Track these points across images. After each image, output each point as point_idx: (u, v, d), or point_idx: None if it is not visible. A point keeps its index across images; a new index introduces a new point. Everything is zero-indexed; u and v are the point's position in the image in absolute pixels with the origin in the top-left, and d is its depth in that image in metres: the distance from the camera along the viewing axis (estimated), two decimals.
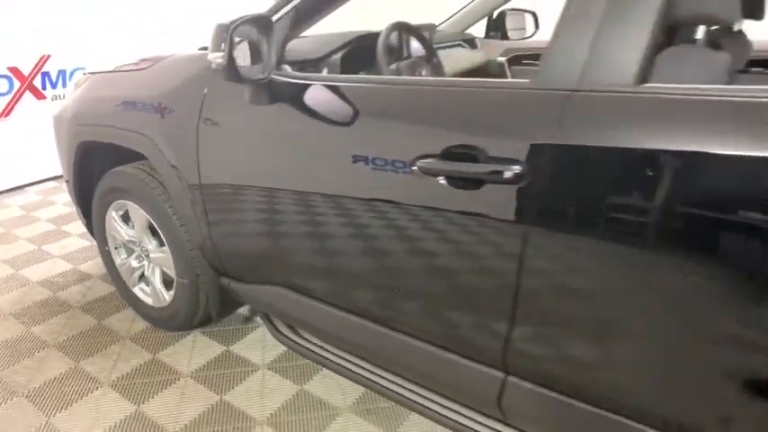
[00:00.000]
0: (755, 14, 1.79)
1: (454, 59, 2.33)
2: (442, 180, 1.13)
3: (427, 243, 1.22)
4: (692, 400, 0.99)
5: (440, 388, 1.42)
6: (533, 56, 2.42)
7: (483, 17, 2.64)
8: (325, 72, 1.66)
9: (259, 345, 2.04)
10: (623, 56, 0.96)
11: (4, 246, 2.86)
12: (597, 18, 0.98)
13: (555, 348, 1.12)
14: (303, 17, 1.44)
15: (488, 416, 1.35)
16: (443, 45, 2.39)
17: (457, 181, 1.11)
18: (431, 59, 1.87)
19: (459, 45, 2.46)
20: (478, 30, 2.75)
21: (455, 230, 1.16)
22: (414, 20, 2.04)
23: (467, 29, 2.64)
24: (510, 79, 1.36)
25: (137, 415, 1.70)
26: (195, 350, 2.01)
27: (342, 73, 1.66)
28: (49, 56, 3.65)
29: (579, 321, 1.06)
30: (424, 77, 1.72)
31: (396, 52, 1.86)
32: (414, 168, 1.16)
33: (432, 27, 2.09)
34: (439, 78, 1.73)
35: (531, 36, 2.77)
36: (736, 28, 1.38)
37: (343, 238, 1.38)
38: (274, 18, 1.36)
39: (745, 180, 0.86)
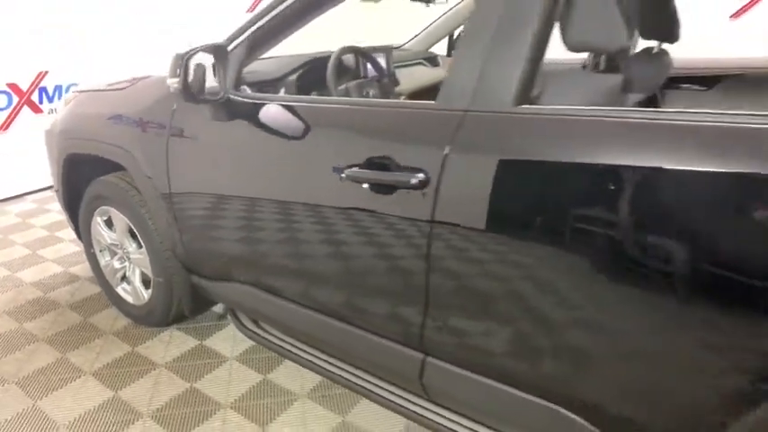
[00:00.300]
0: (668, 39, 1.99)
1: (415, 77, 2.53)
2: (365, 186, 1.32)
3: (357, 242, 1.41)
4: (577, 372, 1.17)
5: (376, 370, 1.60)
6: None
7: (445, 36, 2.85)
8: (282, 92, 1.86)
9: (230, 339, 2.22)
10: (504, 82, 1.15)
11: (1, 250, 3.07)
12: (483, 50, 1.18)
13: (462, 331, 1.30)
14: (257, 45, 1.64)
15: (427, 399, 1.53)
16: (406, 63, 2.59)
17: (376, 187, 1.30)
18: (381, 79, 2.07)
19: (420, 63, 2.66)
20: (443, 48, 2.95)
21: (378, 230, 1.35)
22: (386, 40, 2.24)
23: (430, 47, 2.85)
24: (421, 101, 1.57)
25: (114, 399, 1.89)
26: (171, 344, 2.20)
27: (297, 92, 1.87)
28: (46, 72, 3.88)
29: (480, 308, 1.25)
30: (353, 98, 1.89)
31: (351, 73, 2.06)
32: (343, 176, 1.35)
33: (388, 48, 2.29)
34: (365, 99, 1.91)
35: None
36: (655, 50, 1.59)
37: (292, 238, 1.57)
38: (229, 47, 1.57)
39: (598, 184, 1.05)
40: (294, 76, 1.87)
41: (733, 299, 0.93)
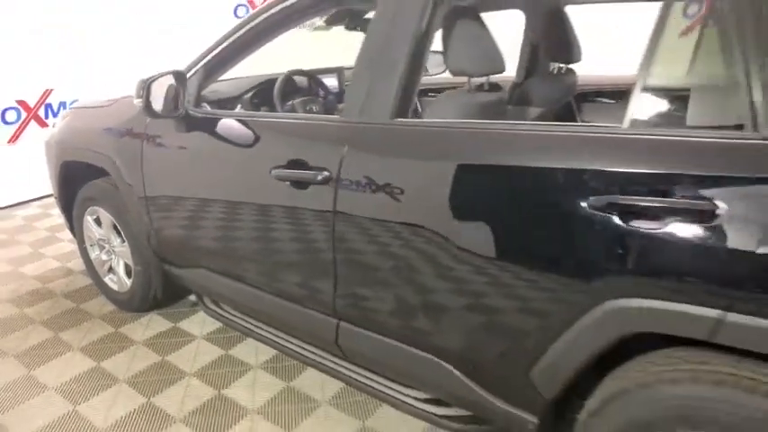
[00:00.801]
0: (570, 61, 2.32)
1: (448, 96, 2.86)
2: (287, 183, 1.65)
3: (284, 230, 1.74)
4: (442, 328, 1.48)
5: (306, 336, 1.93)
6: (437, 89, 2.95)
7: None
8: (238, 108, 2.21)
9: (200, 322, 2.55)
10: (383, 100, 1.48)
11: (8, 248, 3.44)
12: (369, 74, 1.51)
13: (363, 298, 1.62)
14: (213, 70, 1.99)
15: (344, 359, 1.85)
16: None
17: (295, 183, 1.64)
18: (326, 96, 2.41)
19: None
20: None
21: (298, 219, 1.68)
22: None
23: None
24: (328, 115, 1.92)
25: (97, 368, 2.22)
26: (149, 326, 2.53)
27: (251, 109, 2.22)
28: (51, 89, 4.28)
29: (373, 279, 1.56)
30: (282, 113, 2.23)
31: (302, 91, 2.40)
32: (272, 175, 1.68)
33: (341, 69, 2.64)
34: (290, 114, 2.23)
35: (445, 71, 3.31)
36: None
37: (237, 229, 1.90)
38: (188, 73, 1.92)
39: (448, 179, 1.36)
40: (248, 95, 2.23)
41: (539, 276, 1.24)
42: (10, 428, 1.90)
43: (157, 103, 1.84)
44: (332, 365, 1.90)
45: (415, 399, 1.68)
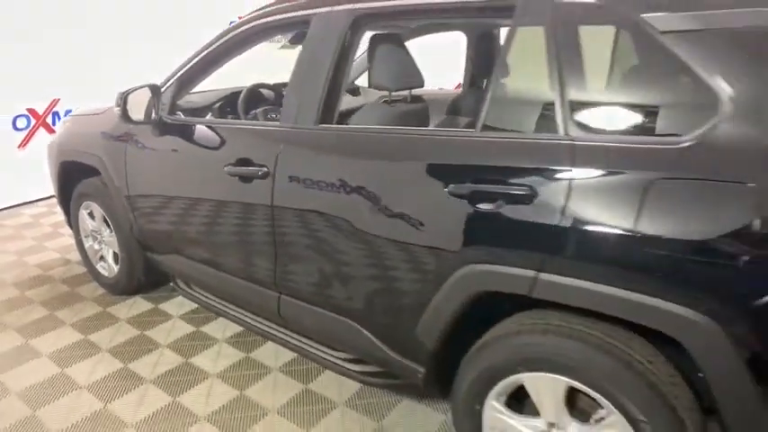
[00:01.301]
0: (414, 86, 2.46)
1: (370, 107, 3.20)
2: (236, 178, 1.99)
3: (237, 218, 2.07)
4: (352, 296, 1.79)
5: (256, 309, 2.25)
6: (396, 100, 3.28)
7: (365, 71, 3.53)
8: (209, 116, 2.56)
9: (178, 304, 2.89)
10: (310, 109, 1.81)
11: (14, 241, 3.81)
12: (300, 86, 1.85)
13: (296, 274, 1.94)
14: (185, 84, 2.35)
15: (287, 328, 2.17)
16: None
17: (243, 179, 1.97)
18: None
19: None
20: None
21: (246, 208, 2.01)
22: None
23: (354, 80, 3.53)
24: (270, 122, 2.29)
25: (84, 340, 2.56)
26: (133, 306, 2.88)
27: (219, 116, 2.56)
28: (58, 99, 4.69)
29: (303, 258, 1.89)
30: (240, 120, 2.57)
31: (265, 102, 2.74)
32: (225, 171, 2.02)
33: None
34: (244, 121, 2.54)
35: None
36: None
37: (201, 219, 2.24)
38: (162, 87, 2.28)
39: (344, 173, 1.68)
40: (218, 105, 2.58)
41: (417, 250, 1.56)
42: (7, 384, 2.24)
43: (134, 112, 2.20)
44: (282, 336, 2.22)
45: (342, 359, 1.99)
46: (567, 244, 1.29)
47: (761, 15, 1.13)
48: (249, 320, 2.33)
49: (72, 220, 3.10)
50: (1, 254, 3.61)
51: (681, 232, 1.15)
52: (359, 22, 1.79)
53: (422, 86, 2.08)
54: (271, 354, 2.43)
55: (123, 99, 2.18)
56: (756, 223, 1.07)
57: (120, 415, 2.06)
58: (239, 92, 2.63)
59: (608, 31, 1.34)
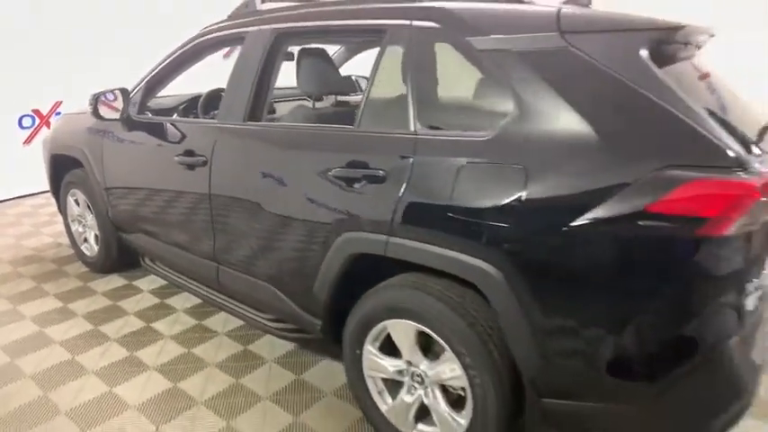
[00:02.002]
0: (336, 92, 2.78)
1: (297, 107, 3.60)
2: (184, 166, 2.38)
3: (186, 202, 2.46)
4: (270, 265, 2.16)
5: (201, 279, 2.63)
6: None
7: None
8: (174, 116, 2.97)
9: (150, 281, 3.28)
10: (239, 108, 2.20)
11: (14, 227, 4.26)
12: (234, 88, 2.24)
13: (229, 247, 2.32)
14: (150, 88, 2.75)
15: (226, 294, 2.55)
16: (293, 98, 3.67)
17: (187, 166, 2.36)
18: None
19: (304, 99, 3.74)
20: None
21: (191, 192, 2.40)
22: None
23: None
24: (209, 120, 2.65)
25: (64, 307, 2.97)
26: (110, 282, 3.28)
27: (182, 116, 2.97)
28: (61, 101, 5.16)
29: (233, 232, 2.26)
30: (191, 118, 2.98)
31: None
32: (176, 160, 2.41)
33: None
34: (194, 119, 2.94)
35: None
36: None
37: (159, 203, 2.63)
38: (131, 90, 2.69)
39: (265, 160, 2.07)
40: (183, 106, 2.99)
41: (312, 222, 1.93)
42: None
43: (104, 111, 2.62)
44: (225, 302, 2.59)
45: (267, 319, 2.36)
46: (406, 214, 1.65)
47: (536, 40, 1.49)
48: (203, 292, 2.71)
49: (61, 207, 3.53)
50: (1, 237, 4.06)
51: (479, 202, 1.51)
52: (280, 39, 2.18)
53: (346, 93, 2.46)
54: (220, 319, 2.81)
55: (95, 100, 2.60)
56: (523, 195, 1.43)
57: (85, 364, 2.45)
58: (201, 95, 3.04)
59: (444, 50, 1.71)
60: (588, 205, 1.34)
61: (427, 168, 1.63)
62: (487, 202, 1.50)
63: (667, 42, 1.51)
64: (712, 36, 1.85)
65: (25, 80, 4.85)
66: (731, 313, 1.35)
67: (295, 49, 2.44)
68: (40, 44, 4.87)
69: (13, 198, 5.05)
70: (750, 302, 1.39)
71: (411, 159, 1.66)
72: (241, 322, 2.77)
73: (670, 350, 1.36)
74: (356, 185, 1.77)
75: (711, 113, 1.38)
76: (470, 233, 1.52)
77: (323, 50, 2.43)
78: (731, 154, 1.26)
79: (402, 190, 1.66)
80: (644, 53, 1.41)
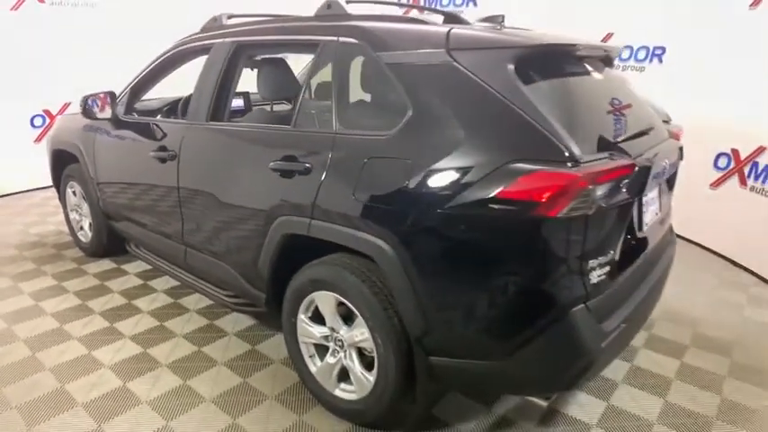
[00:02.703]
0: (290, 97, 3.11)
1: (257, 110, 3.92)
2: (158, 160, 2.72)
3: (161, 193, 2.80)
4: (226, 248, 2.48)
5: (172, 260, 2.96)
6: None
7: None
8: (158, 117, 3.32)
9: (137, 265, 3.64)
10: (201, 109, 2.53)
11: (23, 216, 4.68)
12: (199, 93, 2.57)
13: (194, 232, 2.65)
14: (135, 91, 3.11)
15: (194, 274, 2.87)
16: (266, 102, 3.99)
17: (160, 160, 2.70)
18: None
19: (283, 102, 4.07)
20: None
21: (163, 183, 2.74)
22: None
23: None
24: (178, 119, 2.93)
25: (58, 285, 3.34)
26: (101, 265, 3.65)
27: (165, 117, 3.31)
28: (70, 102, 5.56)
29: (195, 217, 2.59)
30: (167, 119, 3.25)
31: None
32: (152, 155, 2.75)
33: (246, 93, 3.72)
34: (167, 119, 3.23)
35: None
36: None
37: (140, 193, 2.98)
38: (118, 94, 3.04)
39: (214, 158, 2.39)
40: (166, 108, 3.34)
41: (255, 208, 2.24)
42: None
43: (98, 112, 2.99)
44: (192, 281, 2.90)
45: (225, 295, 2.68)
46: (323, 200, 1.96)
47: (428, 55, 1.79)
48: (177, 273, 3.04)
49: (61, 198, 3.91)
50: (11, 225, 4.47)
51: (377, 190, 1.81)
52: (238, 50, 2.51)
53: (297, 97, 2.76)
54: (192, 299, 3.14)
55: (85, 101, 2.97)
56: (409, 184, 1.72)
57: (70, 331, 2.80)
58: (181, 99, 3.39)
59: (360, 62, 2.01)
60: (457, 192, 1.63)
61: (341, 162, 1.94)
62: (383, 190, 1.79)
63: (541, 58, 1.79)
64: (606, 53, 2.13)
65: (37, 82, 5.27)
66: (574, 285, 1.62)
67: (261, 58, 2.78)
68: (51, 48, 5.29)
69: (25, 191, 5.47)
70: (594, 276, 1.66)
71: (330, 154, 1.97)
72: (210, 302, 3.10)
73: (519, 314, 1.64)
74: (288, 176, 2.08)
75: (564, 118, 1.65)
76: (370, 215, 1.82)
77: (281, 60, 2.75)
78: (565, 151, 1.54)
79: (321, 179, 1.96)
80: (511, 67, 1.69)
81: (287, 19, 2.42)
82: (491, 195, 1.57)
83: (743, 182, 3.84)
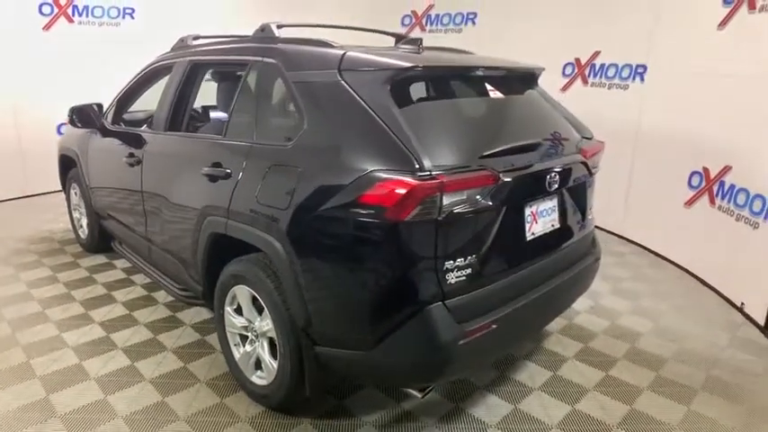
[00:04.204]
0: None
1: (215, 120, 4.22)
2: (129, 165, 3.04)
3: (129, 192, 3.12)
4: (170, 243, 2.76)
5: (142, 256, 3.27)
6: None
7: None
8: (144, 127, 3.67)
9: (125, 261, 3.99)
10: (162, 119, 2.83)
11: (41, 214, 5.19)
12: (162, 106, 2.87)
13: (156, 231, 2.94)
14: (121, 103, 3.47)
15: (159, 269, 3.17)
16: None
17: (130, 165, 3.02)
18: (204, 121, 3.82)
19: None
20: None
21: (132, 186, 3.05)
22: None
23: None
24: (148, 129, 3.13)
25: (51, 276, 3.72)
26: (94, 260, 4.03)
27: (148, 127, 3.66)
28: None
29: (155, 218, 2.88)
30: (140, 129, 3.56)
31: None
32: (124, 160, 3.08)
33: (207, 106, 4.04)
34: (138, 129, 3.44)
35: None
36: None
37: (116, 193, 3.32)
38: (105, 106, 3.41)
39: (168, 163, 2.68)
40: (150, 118, 3.69)
41: (194, 209, 2.50)
42: None
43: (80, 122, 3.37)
44: (156, 275, 3.19)
45: (178, 289, 2.95)
46: (235, 202, 2.20)
47: (319, 74, 2.00)
48: (145, 268, 3.34)
49: (66, 196, 4.35)
50: (28, 221, 4.97)
51: (273, 193, 2.03)
52: (194, 68, 2.81)
53: None
54: (163, 294, 3.44)
55: (71, 111, 3.36)
56: (296, 188, 1.93)
57: (49, 315, 3.15)
58: None
59: (277, 81, 2.25)
60: (330, 196, 1.83)
61: (252, 169, 2.17)
62: (277, 193, 2.01)
63: (418, 78, 1.98)
64: (509, 74, 2.27)
65: (64, 93, 5.78)
66: (430, 283, 1.77)
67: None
68: (78, 62, 5.82)
69: (50, 192, 6.01)
70: (452, 277, 1.80)
71: (245, 162, 2.21)
72: None
73: (380, 309, 1.80)
74: (214, 180, 2.34)
75: (426, 133, 1.82)
76: (266, 216, 2.04)
77: (232, 75, 3.01)
78: (416, 163, 1.71)
79: (236, 184, 2.20)
80: (387, 86, 1.88)
81: (232, 41, 2.70)
82: (354, 199, 1.76)
83: (712, 201, 3.81)
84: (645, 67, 4.50)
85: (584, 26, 4.98)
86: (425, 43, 2.38)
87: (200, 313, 3.18)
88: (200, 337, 2.94)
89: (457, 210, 1.76)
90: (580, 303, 3.43)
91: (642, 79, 4.53)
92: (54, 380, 2.52)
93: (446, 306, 1.80)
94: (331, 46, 2.19)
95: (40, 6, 5.68)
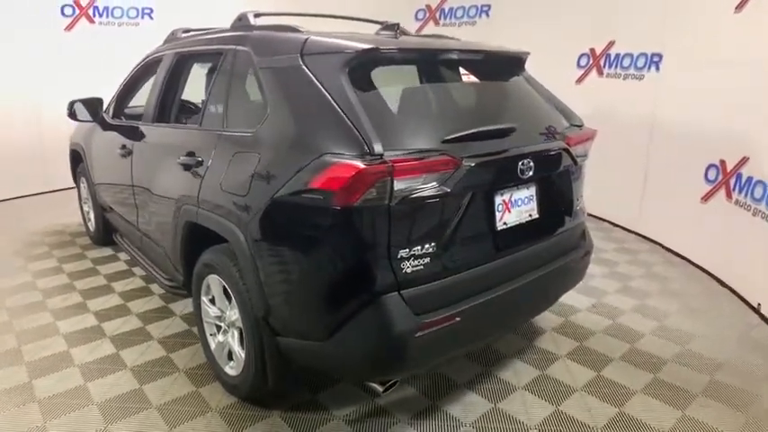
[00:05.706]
0: None
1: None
2: (123, 156, 3.09)
3: (123, 182, 3.16)
4: (155, 234, 2.78)
5: (135, 245, 3.31)
6: None
7: None
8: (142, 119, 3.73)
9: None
10: (151, 111, 2.86)
11: (58, 209, 5.35)
12: (150, 99, 2.90)
13: (147, 222, 2.97)
14: (120, 97, 3.53)
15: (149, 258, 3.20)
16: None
17: (125, 156, 3.07)
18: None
19: None
20: None
21: (125, 176, 3.10)
22: None
23: None
24: (142, 122, 3.05)
25: (58, 267, 3.82)
26: (101, 252, 4.12)
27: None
28: None
29: (143, 208, 2.91)
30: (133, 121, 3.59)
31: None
32: (118, 152, 3.13)
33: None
34: (132, 121, 3.42)
35: None
36: None
37: (114, 185, 3.38)
38: (104, 100, 3.48)
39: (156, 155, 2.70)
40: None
41: (173, 200, 2.51)
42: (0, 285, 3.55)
43: (81, 115, 3.44)
44: (147, 265, 3.23)
45: (164, 278, 2.97)
46: (203, 190, 2.19)
47: (283, 60, 1.96)
48: (139, 259, 3.38)
49: (77, 189, 4.47)
50: (45, 214, 5.15)
51: (235, 180, 2.00)
52: (180, 60, 2.82)
53: None
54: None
55: (71, 105, 3.45)
56: (254, 175, 1.89)
57: (48, 304, 3.24)
58: None
59: (247, 68, 2.22)
60: (284, 181, 1.79)
61: (219, 156, 2.16)
62: (238, 180, 1.99)
63: (378, 62, 1.91)
64: (452, 57, 2.17)
65: (84, 90, 5.93)
66: (384, 272, 1.70)
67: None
68: (99, 60, 5.98)
69: (69, 188, 6.19)
70: (408, 266, 1.73)
71: (213, 150, 2.19)
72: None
73: (332, 297, 1.75)
74: (188, 169, 2.34)
75: (380, 118, 1.76)
76: (229, 203, 2.02)
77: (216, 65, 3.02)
78: (365, 146, 1.64)
79: (204, 172, 2.19)
80: (345, 70, 1.82)
81: (212, 31, 2.70)
82: (305, 184, 1.71)
83: (728, 195, 3.58)
84: (660, 56, 4.28)
85: (598, 15, 4.79)
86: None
87: (191, 304, 3.20)
88: (187, 328, 2.95)
89: (413, 196, 1.68)
90: (580, 301, 3.29)
91: (657, 68, 4.31)
92: (40, 366, 2.58)
93: (402, 296, 1.73)
94: (298, 31, 2.15)
95: (63, 8, 5.89)
